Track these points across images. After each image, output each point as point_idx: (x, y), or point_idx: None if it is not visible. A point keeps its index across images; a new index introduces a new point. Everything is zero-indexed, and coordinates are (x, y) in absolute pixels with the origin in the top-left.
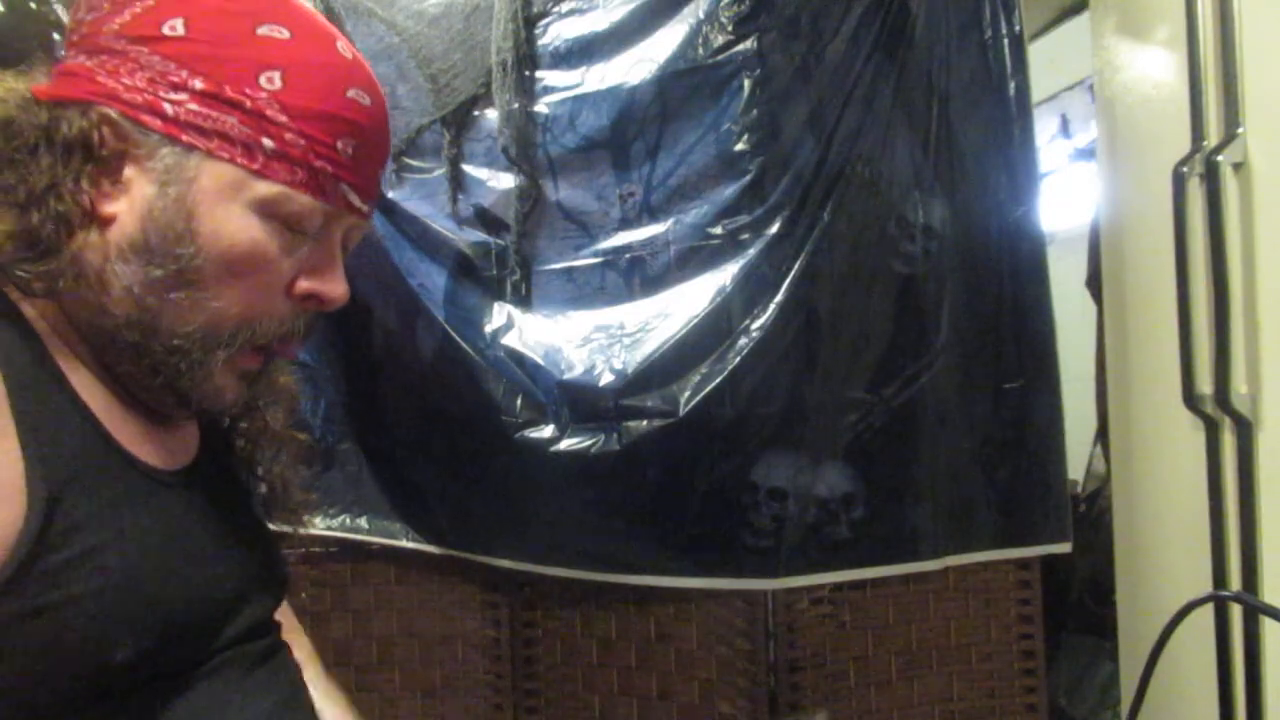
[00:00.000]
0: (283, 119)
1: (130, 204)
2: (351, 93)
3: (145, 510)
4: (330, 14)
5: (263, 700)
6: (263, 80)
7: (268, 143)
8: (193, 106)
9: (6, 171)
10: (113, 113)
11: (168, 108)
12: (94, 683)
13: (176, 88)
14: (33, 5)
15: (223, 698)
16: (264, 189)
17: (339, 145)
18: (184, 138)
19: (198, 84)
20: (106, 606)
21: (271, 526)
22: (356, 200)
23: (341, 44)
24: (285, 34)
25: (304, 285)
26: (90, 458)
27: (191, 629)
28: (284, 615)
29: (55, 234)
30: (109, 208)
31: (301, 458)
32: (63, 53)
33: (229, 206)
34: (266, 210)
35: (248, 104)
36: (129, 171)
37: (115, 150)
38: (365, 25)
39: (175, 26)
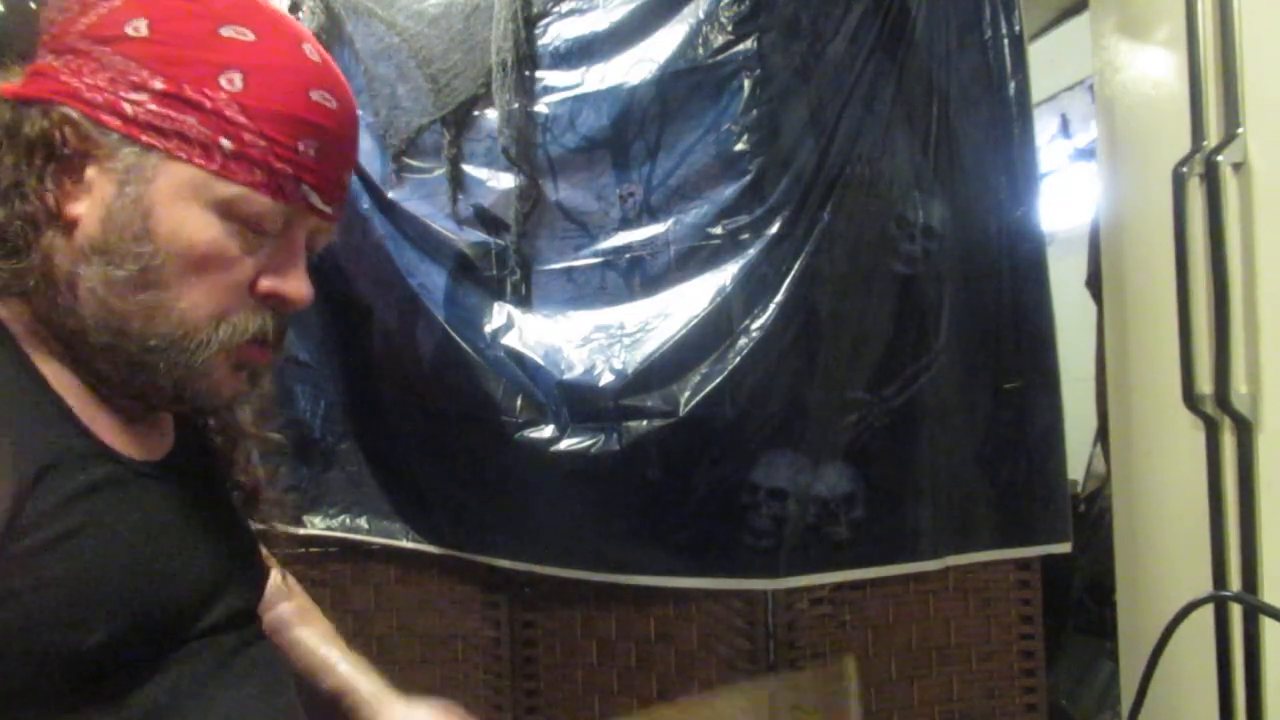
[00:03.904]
0: (242, 120)
1: (92, 204)
2: (315, 94)
3: (120, 498)
4: (330, 14)
5: (239, 689)
6: (223, 81)
7: (226, 143)
8: (152, 107)
9: None
10: (73, 112)
11: (127, 107)
12: (66, 667)
13: (137, 88)
14: (32, 5)
15: (196, 685)
16: (223, 189)
17: (300, 147)
18: (143, 138)
19: (158, 84)
20: (79, 591)
21: (252, 524)
22: (318, 201)
23: (309, 46)
24: (249, 36)
25: (265, 284)
26: (65, 447)
27: (165, 616)
28: (298, 595)
29: (23, 232)
30: (73, 209)
31: (272, 457)
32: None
33: (188, 206)
34: (225, 211)
35: (207, 104)
36: (91, 172)
37: (76, 150)
38: (365, 25)
39: (138, 27)
